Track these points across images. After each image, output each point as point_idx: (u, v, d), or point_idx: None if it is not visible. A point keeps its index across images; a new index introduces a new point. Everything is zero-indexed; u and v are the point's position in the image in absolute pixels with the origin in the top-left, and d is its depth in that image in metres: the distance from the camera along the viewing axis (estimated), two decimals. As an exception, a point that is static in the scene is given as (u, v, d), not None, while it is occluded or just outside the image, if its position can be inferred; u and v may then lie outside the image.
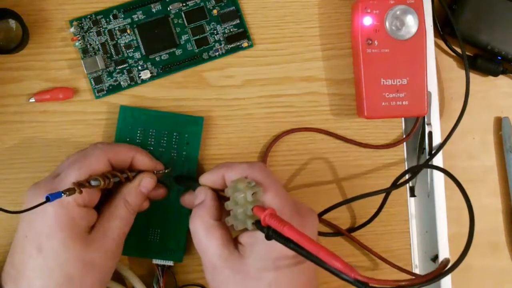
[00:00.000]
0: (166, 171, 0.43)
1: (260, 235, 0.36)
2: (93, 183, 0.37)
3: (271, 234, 0.34)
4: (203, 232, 0.38)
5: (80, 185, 0.36)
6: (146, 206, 0.42)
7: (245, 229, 0.37)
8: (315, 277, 0.39)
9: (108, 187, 0.38)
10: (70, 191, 0.35)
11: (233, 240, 0.39)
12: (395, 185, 0.45)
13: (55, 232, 0.36)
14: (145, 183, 0.41)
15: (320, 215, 0.46)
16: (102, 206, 0.40)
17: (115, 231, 0.39)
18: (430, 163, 0.47)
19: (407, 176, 0.46)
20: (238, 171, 0.39)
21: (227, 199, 0.38)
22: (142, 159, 0.41)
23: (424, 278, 0.33)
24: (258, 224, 0.36)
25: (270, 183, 0.38)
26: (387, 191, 0.46)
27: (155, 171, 0.42)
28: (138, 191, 0.40)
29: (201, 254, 0.39)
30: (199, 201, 0.40)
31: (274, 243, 0.35)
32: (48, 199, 0.34)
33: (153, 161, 0.42)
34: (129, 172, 0.40)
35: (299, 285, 0.37)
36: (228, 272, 0.37)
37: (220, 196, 0.41)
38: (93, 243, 0.38)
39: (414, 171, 0.47)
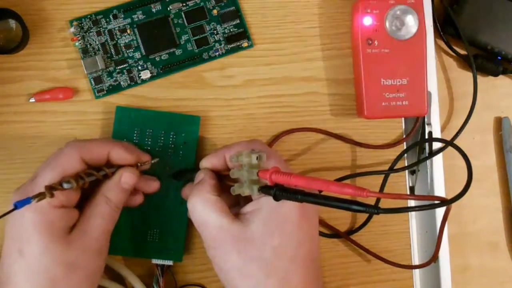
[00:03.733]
0: (153, 161, 0.42)
1: (265, 201, 0.36)
2: (65, 185, 0.35)
3: (278, 193, 0.34)
4: (202, 206, 0.37)
5: (51, 189, 0.34)
6: (140, 201, 0.41)
7: (249, 201, 0.37)
8: (318, 248, 0.39)
9: (84, 187, 0.37)
10: (40, 196, 0.34)
11: (234, 215, 0.38)
12: (392, 169, 0.46)
13: (34, 236, 0.35)
14: (125, 179, 0.39)
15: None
16: (84, 204, 0.39)
17: (97, 229, 0.38)
18: (429, 162, 0.47)
19: (406, 171, 0.46)
20: (239, 148, 0.39)
21: (227, 180, 0.39)
22: (119, 154, 0.39)
23: (423, 197, 0.36)
24: (264, 189, 0.36)
25: (271, 152, 0.39)
26: (386, 173, 0.47)
27: (139, 163, 0.40)
28: (119, 187, 0.39)
29: (201, 230, 0.38)
30: (198, 181, 0.39)
31: (279, 208, 0.35)
32: (15, 207, 0.33)
33: (133, 153, 0.40)
34: (107, 169, 0.39)
35: (303, 252, 0.37)
36: (230, 241, 0.36)
37: (220, 176, 0.40)
38: (74, 243, 0.37)
39: (414, 146, 0.47)
